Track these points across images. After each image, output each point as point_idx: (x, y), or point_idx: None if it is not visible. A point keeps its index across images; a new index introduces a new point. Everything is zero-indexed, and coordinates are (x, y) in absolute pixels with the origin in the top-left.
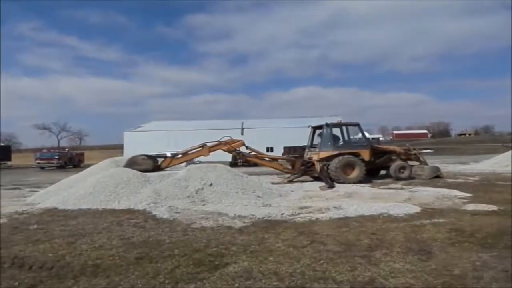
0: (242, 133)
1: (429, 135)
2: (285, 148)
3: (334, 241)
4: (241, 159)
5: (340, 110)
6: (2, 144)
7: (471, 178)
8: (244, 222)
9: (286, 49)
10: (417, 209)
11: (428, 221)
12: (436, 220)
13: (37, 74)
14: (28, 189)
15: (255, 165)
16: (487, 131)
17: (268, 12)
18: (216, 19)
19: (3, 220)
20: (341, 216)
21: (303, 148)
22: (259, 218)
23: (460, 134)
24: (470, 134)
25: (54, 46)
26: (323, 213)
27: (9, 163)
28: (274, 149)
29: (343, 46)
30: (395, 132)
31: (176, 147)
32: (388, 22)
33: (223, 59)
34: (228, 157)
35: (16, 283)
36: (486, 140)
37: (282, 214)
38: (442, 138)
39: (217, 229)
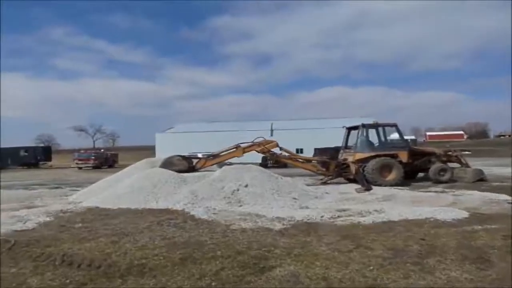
0: (271, 135)
1: (465, 136)
2: (316, 149)
3: (381, 246)
4: (271, 160)
5: (369, 110)
6: (42, 145)
7: None
8: (284, 224)
9: (310, 50)
10: (465, 214)
11: (479, 227)
12: (488, 226)
13: (70, 77)
14: (69, 188)
15: (285, 166)
16: None
17: (289, 13)
18: (238, 21)
19: (50, 218)
20: (384, 220)
21: (335, 150)
22: (298, 221)
23: (499, 136)
24: (509, 136)
25: (85, 50)
26: (364, 216)
27: (49, 163)
28: (304, 151)
29: (369, 45)
30: (428, 133)
31: (206, 149)
32: (415, 19)
33: (247, 60)
34: (257, 158)
35: (68, 281)
36: None
37: (322, 216)
38: (479, 140)
39: (257, 231)
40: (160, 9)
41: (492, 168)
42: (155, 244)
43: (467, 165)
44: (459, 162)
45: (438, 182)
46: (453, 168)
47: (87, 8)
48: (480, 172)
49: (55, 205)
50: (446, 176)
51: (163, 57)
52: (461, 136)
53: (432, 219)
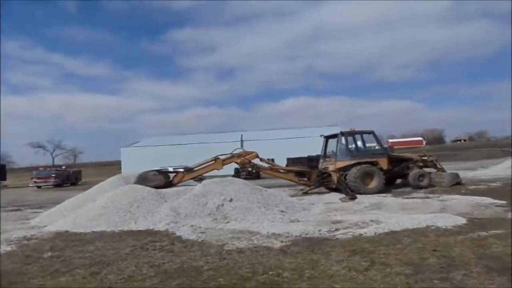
0: (241, 146)
1: (424, 143)
2: (288, 159)
3: (396, 261)
4: (244, 172)
5: (333, 119)
6: None
7: (492, 184)
8: (282, 241)
9: (273, 62)
10: (462, 220)
11: (485, 233)
12: (493, 231)
13: (25, 92)
14: (30, 210)
15: (258, 177)
16: (481, 136)
17: (251, 27)
18: (200, 34)
19: (12, 248)
20: (386, 230)
21: (309, 159)
22: (296, 236)
23: (455, 141)
24: (465, 140)
25: (41, 64)
26: (363, 228)
27: (4, 182)
28: (274, 161)
29: (329, 56)
30: (390, 140)
31: (176, 162)
32: (372, 31)
33: (211, 73)
34: (229, 169)
35: None
36: (482, 146)
37: (319, 230)
38: (437, 145)
39: (255, 251)
40: (118, 21)
41: (459, 172)
42: (144, 274)
43: (442, 170)
44: (435, 167)
45: (417, 187)
46: (430, 173)
47: (41, 20)
48: (456, 176)
49: (16, 231)
50: (425, 181)
51: (125, 70)
52: (420, 142)
53: (433, 227)
